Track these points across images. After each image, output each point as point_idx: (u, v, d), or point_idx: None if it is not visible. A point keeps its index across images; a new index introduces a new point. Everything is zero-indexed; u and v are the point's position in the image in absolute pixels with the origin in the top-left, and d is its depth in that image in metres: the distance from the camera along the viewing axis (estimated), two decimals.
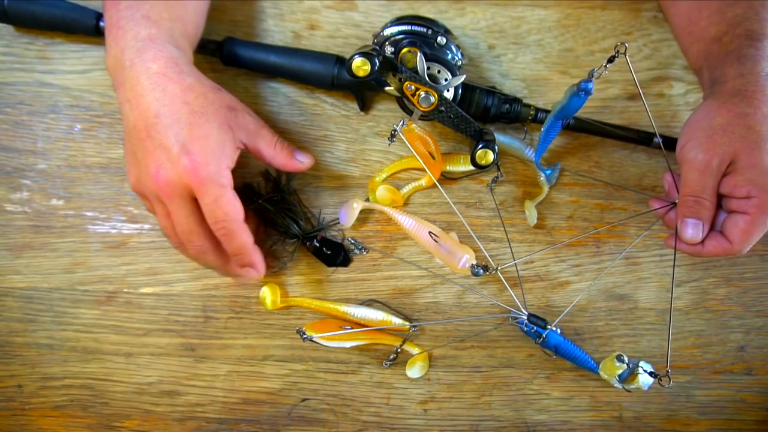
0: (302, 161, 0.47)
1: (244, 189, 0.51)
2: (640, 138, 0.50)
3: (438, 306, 0.52)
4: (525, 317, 0.48)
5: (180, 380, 0.51)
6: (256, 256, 0.44)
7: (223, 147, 0.41)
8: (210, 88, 0.43)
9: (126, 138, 0.42)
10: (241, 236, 0.42)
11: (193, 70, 0.43)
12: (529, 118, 0.50)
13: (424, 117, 0.47)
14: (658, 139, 0.48)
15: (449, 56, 0.47)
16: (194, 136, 0.40)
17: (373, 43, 0.48)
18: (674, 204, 0.46)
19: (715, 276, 0.53)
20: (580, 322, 0.52)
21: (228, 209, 0.41)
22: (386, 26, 0.48)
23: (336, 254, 0.51)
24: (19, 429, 0.51)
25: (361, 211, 0.51)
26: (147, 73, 0.41)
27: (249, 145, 0.45)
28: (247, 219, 0.43)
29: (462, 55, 0.48)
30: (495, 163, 0.46)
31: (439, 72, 0.46)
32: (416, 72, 0.44)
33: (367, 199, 0.51)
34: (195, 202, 0.41)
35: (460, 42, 0.52)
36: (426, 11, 0.53)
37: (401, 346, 0.51)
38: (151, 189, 0.41)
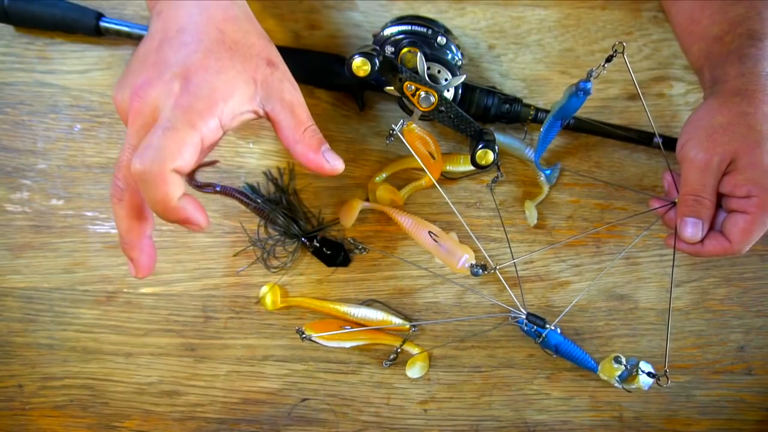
0: (329, 161, 0.38)
1: (244, 189, 0.51)
2: (640, 138, 0.50)
3: (438, 306, 0.52)
4: (524, 317, 0.48)
5: (180, 380, 0.51)
6: (186, 213, 0.33)
7: (230, 93, 0.34)
8: (257, 32, 0.37)
9: (135, 50, 0.36)
10: (164, 186, 0.32)
11: (246, 8, 0.38)
12: (529, 118, 0.50)
13: (424, 117, 0.47)
14: (658, 139, 0.48)
15: (449, 56, 0.47)
16: (206, 65, 0.34)
17: (373, 43, 0.49)
18: (674, 203, 0.46)
19: (715, 276, 0.53)
20: (580, 322, 0.52)
21: (167, 144, 0.31)
22: (386, 26, 0.48)
23: (336, 254, 0.51)
24: (19, 429, 0.51)
25: (361, 211, 0.51)
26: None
27: (272, 116, 0.37)
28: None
29: (462, 55, 0.48)
30: (495, 163, 0.46)
31: (439, 72, 0.46)
32: (416, 72, 0.44)
33: (367, 199, 0.51)
34: None
35: (460, 42, 0.52)
36: (426, 11, 0.53)
37: (401, 346, 0.51)
38: (124, 102, 0.34)
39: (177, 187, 0.33)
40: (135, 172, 0.32)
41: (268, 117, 0.37)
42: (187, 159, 0.32)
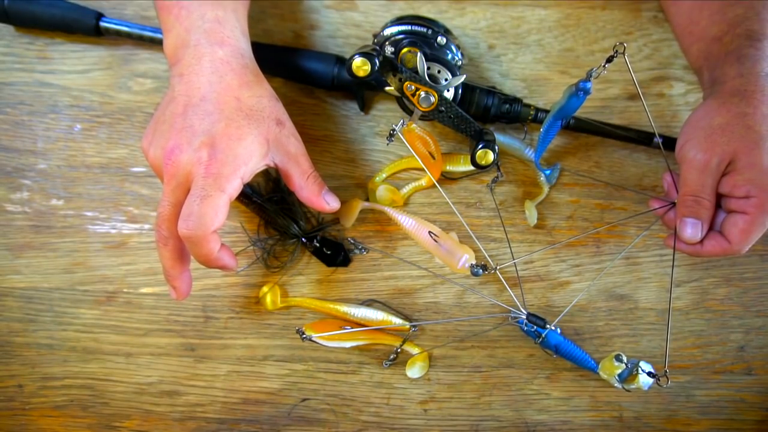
0: (329, 203, 0.45)
1: (244, 189, 0.51)
2: (640, 138, 0.50)
3: (438, 306, 0.52)
4: (524, 317, 0.48)
5: (180, 380, 0.51)
6: (222, 263, 0.41)
7: (250, 157, 0.39)
8: (267, 93, 0.41)
9: (161, 105, 0.41)
10: (206, 245, 0.39)
11: (256, 69, 0.42)
12: (529, 118, 0.50)
13: (424, 117, 0.47)
14: (658, 139, 0.48)
15: (449, 56, 0.47)
16: (228, 133, 0.39)
17: (373, 43, 0.49)
18: (673, 204, 0.46)
19: (715, 276, 0.53)
20: (580, 322, 0.52)
21: (206, 211, 0.38)
22: (386, 26, 0.48)
23: (336, 254, 0.51)
24: (19, 429, 0.51)
25: (361, 211, 0.51)
26: (211, 56, 0.39)
27: (281, 168, 0.43)
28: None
29: (462, 55, 0.48)
30: (495, 163, 0.46)
31: (439, 72, 0.46)
32: (416, 72, 0.44)
33: (367, 199, 0.51)
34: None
35: (460, 42, 0.52)
36: (426, 11, 0.53)
37: (401, 346, 0.51)
38: (158, 161, 0.40)
39: (216, 244, 0.40)
40: (183, 236, 0.38)
41: (276, 167, 0.43)
42: (221, 218, 0.39)
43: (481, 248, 0.51)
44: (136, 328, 0.51)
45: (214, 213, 0.38)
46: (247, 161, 0.39)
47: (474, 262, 0.49)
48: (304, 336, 0.48)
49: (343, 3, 0.53)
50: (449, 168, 0.52)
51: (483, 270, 0.47)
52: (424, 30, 0.47)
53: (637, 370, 0.45)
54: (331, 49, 0.52)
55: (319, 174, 0.45)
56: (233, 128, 0.39)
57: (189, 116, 0.39)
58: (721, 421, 0.52)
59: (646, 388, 0.46)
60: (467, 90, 0.48)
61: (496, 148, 0.46)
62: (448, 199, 0.49)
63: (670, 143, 0.48)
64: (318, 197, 0.44)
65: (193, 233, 0.38)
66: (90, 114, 0.52)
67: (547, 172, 0.51)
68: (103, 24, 0.49)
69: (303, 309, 0.52)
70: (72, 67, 0.52)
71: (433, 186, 0.51)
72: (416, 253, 0.52)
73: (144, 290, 0.51)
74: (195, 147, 0.38)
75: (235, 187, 0.39)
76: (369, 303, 0.52)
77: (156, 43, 0.50)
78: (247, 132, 0.39)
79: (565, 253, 0.52)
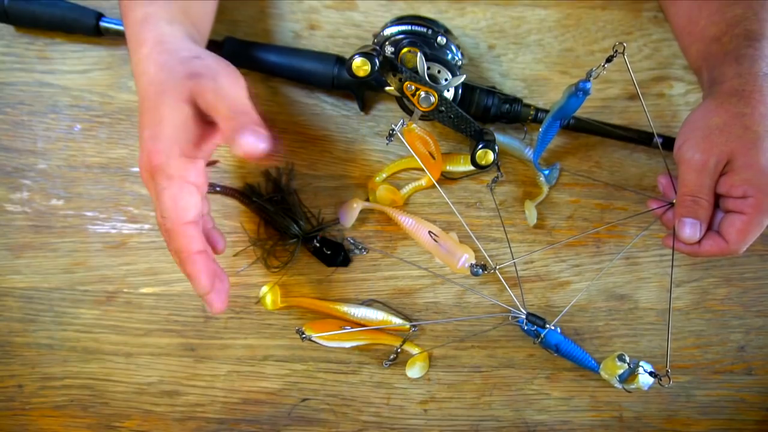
0: (244, 143, 0.34)
1: (244, 189, 0.51)
2: (640, 138, 0.50)
3: (438, 306, 0.52)
4: (524, 317, 0.48)
5: (180, 380, 0.51)
6: (195, 268, 0.38)
7: (176, 130, 0.37)
8: (179, 59, 0.38)
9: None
10: (179, 239, 0.38)
11: (175, 44, 0.39)
12: (529, 118, 0.50)
13: (424, 117, 0.47)
14: (657, 139, 0.48)
15: (449, 56, 0.47)
16: (149, 122, 0.37)
17: (373, 43, 0.49)
18: (672, 204, 0.46)
19: (715, 276, 0.53)
20: (580, 322, 0.52)
21: (167, 205, 0.37)
22: (386, 26, 0.48)
23: (336, 254, 0.51)
24: (19, 429, 0.51)
25: (361, 211, 0.51)
26: (138, 57, 0.39)
27: (210, 113, 0.37)
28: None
29: (462, 55, 0.48)
30: (495, 163, 0.46)
31: (439, 72, 0.46)
32: (416, 72, 0.44)
33: (367, 199, 0.51)
34: None
35: (460, 42, 0.52)
36: (426, 11, 0.53)
37: (401, 346, 0.51)
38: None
39: (191, 241, 0.38)
40: (163, 230, 0.38)
41: (211, 115, 0.38)
42: (186, 205, 0.37)
43: (481, 248, 0.51)
44: (136, 328, 0.51)
45: (172, 202, 0.37)
46: (176, 136, 0.37)
47: (474, 262, 0.49)
48: (304, 336, 0.48)
49: (343, 3, 0.53)
50: (449, 168, 0.52)
51: (483, 270, 0.47)
52: (424, 30, 0.47)
53: (637, 370, 0.45)
54: (331, 49, 0.52)
55: (256, 115, 0.37)
56: (153, 113, 0.37)
57: (139, 128, 0.39)
58: (721, 421, 0.52)
59: (646, 388, 0.46)
60: (467, 90, 0.48)
61: (496, 148, 0.46)
62: (447, 199, 0.49)
63: (669, 143, 0.48)
64: (237, 134, 0.34)
65: (165, 223, 0.37)
66: (90, 114, 0.52)
67: (546, 172, 0.51)
68: (103, 24, 0.49)
69: (303, 309, 0.52)
70: (72, 67, 0.52)
71: (433, 186, 0.51)
72: (416, 253, 0.52)
73: (144, 290, 0.51)
74: (140, 148, 0.38)
75: (178, 167, 0.37)
76: (369, 303, 0.52)
77: None
78: (163, 110, 0.37)
79: (565, 253, 0.52)
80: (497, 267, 0.48)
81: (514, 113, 0.49)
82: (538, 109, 0.49)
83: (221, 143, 0.41)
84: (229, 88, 0.38)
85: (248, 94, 0.39)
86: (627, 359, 0.46)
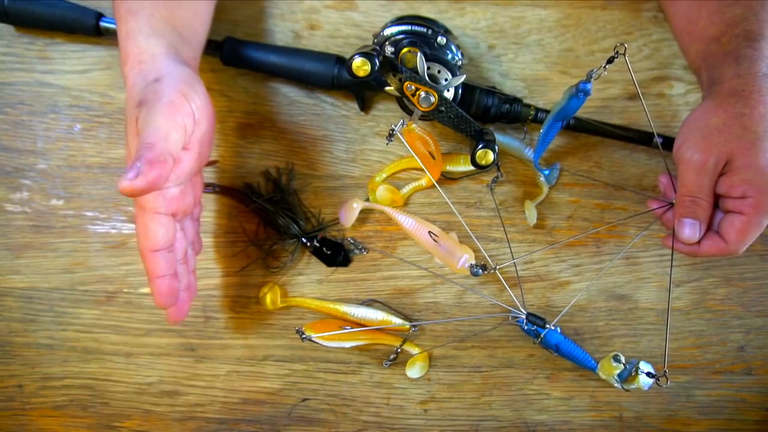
0: (125, 179, 0.33)
1: (244, 189, 0.51)
2: (640, 138, 0.50)
3: (438, 306, 0.52)
4: (524, 317, 0.48)
5: (180, 380, 0.51)
6: (156, 289, 0.40)
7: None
8: (144, 83, 0.38)
9: None
10: (145, 262, 0.40)
11: (148, 65, 0.39)
12: (529, 118, 0.50)
13: (424, 117, 0.47)
14: (657, 139, 0.48)
15: (449, 56, 0.47)
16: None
17: (373, 43, 0.49)
18: (672, 204, 0.46)
19: (715, 276, 0.53)
20: (580, 322, 0.52)
21: (138, 231, 0.40)
22: (386, 26, 0.48)
23: (336, 254, 0.51)
24: (19, 429, 0.51)
25: (361, 211, 0.51)
26: (124, 72, 0.40)
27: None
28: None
29: (462, 55, 0.48)
30: (495, 163, 0.47)
31: (439, 72, 0.46)
32: (416, 72, 0.44)
33: (367, 199, 0.51)
34: None
35: (460, 42, 0.52)
36: (426, 11, 0.53)
37: (401, 346, 0.51)
38: None
39: (158, 267, 0.40)
40: None
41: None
42: (154, 234, 0.40)
43: (481, 248, 0.51)
44: (136, 328, 0.51)
45: (143, 232, 0.40)
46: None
47: (474, 262, 0.49)
48: (304, 336, 0.48)
49: (343, 3, 0.53)
50: (449, 168, 0.52)
51: (483, 270, 0.47)
52: (424, 30, 0.47)
53: (636, 371, 0.45)
54: (331, 49, 0.52)
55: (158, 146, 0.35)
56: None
57: None
58: (721, 421, 0.52)
59: (646, 388, 0.46)
60: (467, 90, 0.48)
61: (496, 148, 0.46)
62: (447, 199, 0.49)
63: (669, 143, 0.48)
64: (127, 175, 0.33)
65: (140, 247, 0.40)
66: (90, 114, 0.52)
67: (546, 172, 0.51)
68: (103, 24, 0.49)
69: (303, 309, 0.52)
70: (72, 67, 0.52)
71: (433, 186, 0.51)
72: (416, 253, 0.52)
73: (144, 290, 0.51)
74: None
75: (150, 199, 0.39)
76: (369, 303, 0.52)
77: None
78: (127, 134, 0.39)
79: (565, 253, 0.52)
80: (497, 267, 0.48)
81: (514, 113, 0.49)
82: (538, 109, 0.49)
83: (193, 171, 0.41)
84: (156, 116, 0.36)
85: (189, 122, 0.38)
86: (622, 360, 0.46)
